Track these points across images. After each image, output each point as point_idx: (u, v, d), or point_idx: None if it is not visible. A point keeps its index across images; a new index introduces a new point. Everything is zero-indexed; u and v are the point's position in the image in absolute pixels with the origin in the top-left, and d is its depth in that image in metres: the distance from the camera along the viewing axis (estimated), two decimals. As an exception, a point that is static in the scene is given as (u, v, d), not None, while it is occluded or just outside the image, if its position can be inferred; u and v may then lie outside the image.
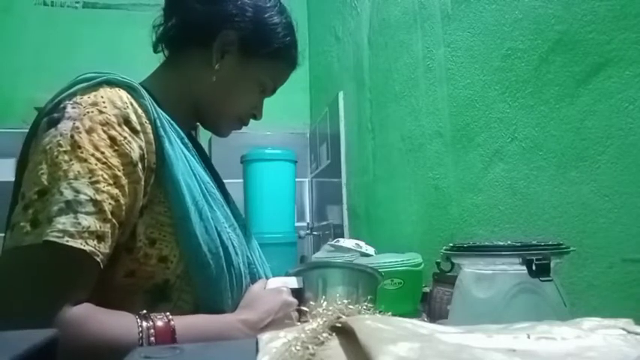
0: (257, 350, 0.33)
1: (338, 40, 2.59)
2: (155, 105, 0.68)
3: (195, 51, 0.78)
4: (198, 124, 0.88)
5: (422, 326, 0.33)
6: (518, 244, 0.62)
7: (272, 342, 0.34)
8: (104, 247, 0.58)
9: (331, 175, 2.64)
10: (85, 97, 0.62)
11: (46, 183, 0.56)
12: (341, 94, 2.46)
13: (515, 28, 1.02)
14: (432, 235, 1.41)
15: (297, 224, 2.75)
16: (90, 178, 0.57)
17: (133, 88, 0.67)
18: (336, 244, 1.61)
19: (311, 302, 0.38)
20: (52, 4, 3.40)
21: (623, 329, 0.31)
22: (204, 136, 3.88)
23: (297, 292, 0.75)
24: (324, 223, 2.90)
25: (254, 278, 0.79)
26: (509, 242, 0.65)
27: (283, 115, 3.49)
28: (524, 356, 0.26)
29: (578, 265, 0.81)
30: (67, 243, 0.54)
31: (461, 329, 0.32)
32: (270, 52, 0.80)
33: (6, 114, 3.23)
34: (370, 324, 0.31)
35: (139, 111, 0.65)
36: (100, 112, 0.61)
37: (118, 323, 0.59)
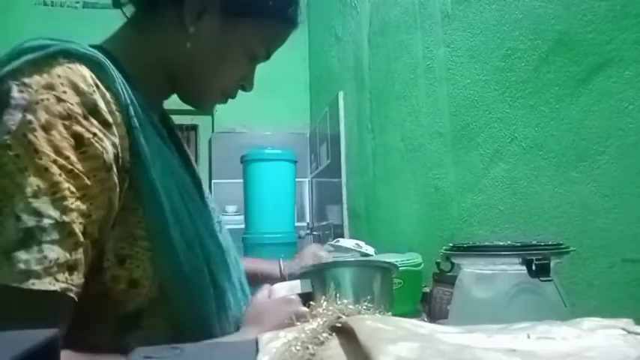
0: (257, 350, 0.33)
1: (338, 40, 2.59)
2: (126, 85, 0.54)
3: (167, 9, 0.62)
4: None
5: (422, 326, 0.33)
6: (518, 244, 0.62)
7: (272, 342, 0.34)
8: (77, 277, 0.47)
9: (331, 175, 2.65)
10: (36, 77, 0.48)
11: None
12: (341, 94, 2.46)
13: (515, 28, 1.02)
14: (432, 235, 1.42)
15: (297, 224, 2.75)
16: (53, 194, 0.45)
17: (98, 64, 0.52)
18: (336, 244, 1.61)
19: None
20: (52, 4, 3.41)
21: (623, 329, 0.31)
22: (204, 135, 3.87)
23: (306, 297, 0.66)
24: (324, 223, 2.90)
25: (234, 295, 0.67)
26: (509, 242, 0.65)
27: (283, 115, 3.49)
28: (524, 356, 0.26)
29: (578, 265, 0.81)
30: (33, 287, 0.43)
31: (461, 329, 0.32)
32: (262, 11, 0.65)
33: (6, 114, 3.23)
34: (370, 324, 0.31)
35: (108, 95, 0.51)
36: (59, 99, 0.47)
37: None
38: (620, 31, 0.76)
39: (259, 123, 3.41)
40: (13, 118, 0.46)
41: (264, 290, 0.67)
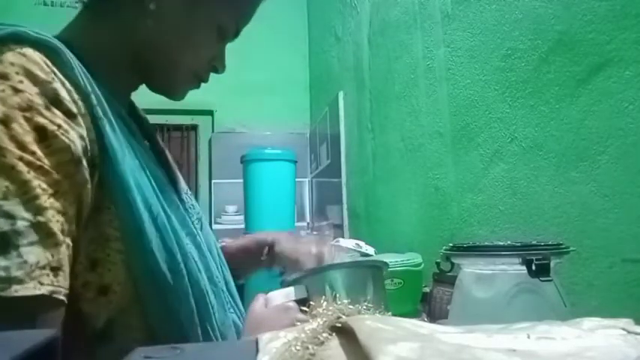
0: (257, 350, 0.33)
1: (338, 40, 2.59)
2: (85, 72, 0.50)
3: None
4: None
5: (422, 326, 0.33)
6: (518, 244, 0.62)
7: (272, 342, 0.34)
8: (63, 279, 0.44)
9: (331, 175, 2.65)
10: None
11: None
12: (341, 94, 2.46)
13: (515, 28, 1.02)
14: (432, 235, 1.42)
15: (297, 224, 2.75)
16: (24, 194, 0.42)
17: (54, 50, 0.47)
18: (336, 244, 1.61)
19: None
20: (52, 4, 3.41)
21: (623, 329, 0.31)
22: (204, 135, 3.88)
23: (301, 303, 0.63)
24: (324, 223, 2.90)
25: (218, 297, 0.63)
26: (509, 242, 0.65)
27: (283, 115, 3.49)
28: (524, 356, 0.26)
29: (578, 265, 0.82)
30: (17, 294, 0.40)
31: (461, 329, 0.32)
32: None
33: (6, 114, 3.23)
34: (370, 324, 0.31)
35: (67, 84, 0.47)
36: (16, 90, 0.43)
37: None
38: (620, 31, 0.76)
39: (259, 123, 3.41)
40: None
41: (259, 299, 0.63)
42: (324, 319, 0.34)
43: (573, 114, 0.86)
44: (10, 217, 0.41)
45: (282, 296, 0.66)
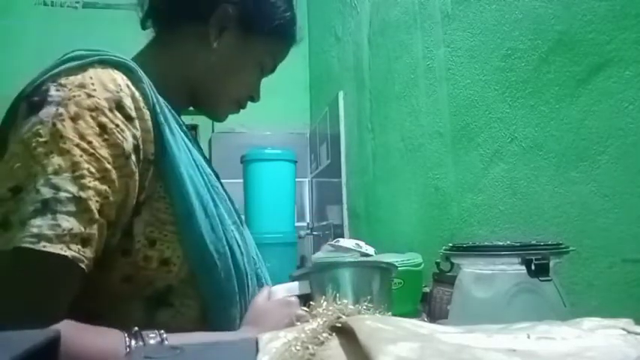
0: (257, 350, 0.33)
1: (338, 40, 2.59)
2: (154, 88, 0.61)
3: (190, 27, 0.70)
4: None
5: (422, 326, 0.33)
6: (518, 244, 0.62)
7: (272, 342, 0.34)
8: (90, 252, 0.50)
9: (331, 175, 2.65)
10: (72, 78, 0.54)
11: (21, 178, 0.49)
12: (341, 94, 2.46)
13: (515, 28, 1.02)
14: (432, 235, 1.42)
15: (297, 224, 2.75)
16: (73, 172, 0.49)
17: (129, 69, 0.59)
18: (336, 244, 1.61)
19: None
20: (52, 4, 3.41)
21: (623, 329, 0.31)
22: (204, 135, 3.89)
23: (304, 299, 0.67)
24: (324, 223, 2.90)
25: (259, 279, 0.74)
26: (508, 242, 0.65)
27: (283, 115, 3.49)
28: (524, 356, 0.26)
29: (578, 265, 0.81)
30: (44, 249, 0.46)
31: (461, 329, 0.32)
32: (271, 29, 0.74)
33: (6, 114, 3.22)
34: (370, 324, 0.31)
35: (137, 94, 0.57)
36: (89, 95, 0.53)
37: (104, 343, 0.51)
38: (620, 31, 0.76)
39: (259, 123, 3.40)
40: (47, 112, 0.51)
41: (263, 292, 0.70)
42: (324, 319, 0.34)
43: (573, 114, 0.86)
44: (56, 188, 0.48)
45: (285, 290, 0.69)
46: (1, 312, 0.46)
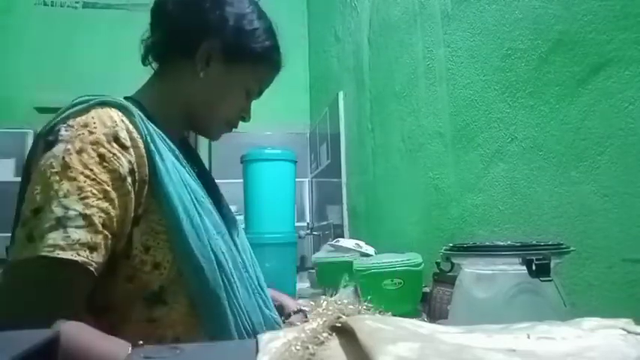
0: (257, 350, 0.33)
1: (338, 40, 2.59)
2: (146, 121, 0.71)
3: (182, 61, 0.81)
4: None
5: (422, 326, 0.33)
6: (518, 244, 0.62)
7: (272, 342, 0.34)
8: (97, 257, 0.61)
9: (331, 175, 2.65)
10: (78, 119, 0.66)
11: (40, 202, 0.60)
12: (341, 94, 2.46)
13: (515, 28, 1.02)
14: (432, 235, 1.42)
15: (297, 224, 2.75)
16: (79, 194, 0.61)
17: (124, 107, 0.70)
18: (336, 244, 1.61)
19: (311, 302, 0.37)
20: (52, 4, 3.41)
21: (623, 329, 0.31)
22: (203, 138, 3.86)
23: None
24: (324, 223, 2.90)
25: (251, 280, 0.82)
26: (509, 242, 0.65)
27: (283, 115, 3.49)
28: (524, 356, 0.26)
29: (578, 265, 0.81)
30: (58, 255, 0.57)
31: (461, 329, 0.32)
32: (253, 57, 0.83)
33: (6, 114, 3.23)
34: (370, 324, 0.31)
35: (130, 127, 0.68)
36: (91, 132, 0.64)
37: (108, 346, 0.55)
38: (620, 31, 0.76)
39: (259, 123, 3.40)
40: (59, 148, 0.63)
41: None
42: (324, 319, 0.34)
43: (573, 114, 0.86)
44: (66, 207, 0.60)
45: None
46: (30, 304, 0.57)
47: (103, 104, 0.69)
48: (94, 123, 0.66)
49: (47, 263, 0.58)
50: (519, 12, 1.00)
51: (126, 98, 0.76)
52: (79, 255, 0.59)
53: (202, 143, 3.53)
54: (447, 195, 1.32)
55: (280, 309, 0.97)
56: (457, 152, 1.27)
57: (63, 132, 0.65)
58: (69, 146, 0.63)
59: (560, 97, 0.89)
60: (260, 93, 0.90)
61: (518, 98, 1.01)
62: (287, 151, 2.67)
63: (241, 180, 2.64)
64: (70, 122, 0.66)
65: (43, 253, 0.57)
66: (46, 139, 0.65)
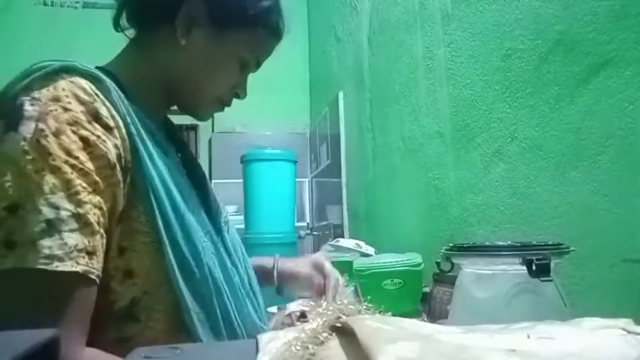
0: (257, 350, 0.33)
1: (338, 40, 2.59)
2: (123, 97, 0.60)
3: (161, 27, 0.68)
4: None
5: (422, 326, 0.33)
6: (518, 244, 0.62)
7: (272, 342, 0.34)
8: (97, 262, 0.52)
9: (331, 175, 2.65)
10: (44, 92, 0.53)
11: (16, 197, 0.49)
12: (341, 94, 2.46)
13: (515, 28, 1.02)
14: (432, 235, 1.42)
15: (297, 224, 2.75)
16: (68, 189, 0.51)
17: (96, 79, 0.58)
18: (336, 244, 1.61)
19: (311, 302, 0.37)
20: (51, 4, 3.41)
21: (623, 329, 0.31)
22: (204, 135, 3.88)
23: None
24: (324, 223, 2.90)
25: (242, 284, 0.72)
26: (509, 242, 0.65)
27: (283, 115, 3.49)
28: (524, 356, 0.26)
29: (578, 265, 0.81)
30: (57, 269, 0.48)
31: (461, 329, 0.32)
32: (246, 21, 0.69)
33: (6, 114, 3.23)
34: (370, 324, 0.31)
35: (107, 103, 0.57)
36: (65, 109, 0.53)
37: None
38: (620, 31, 0.76)
39: (259, 123, 3.41)
40: (28, 128, 0.51)
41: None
42: (324, 319, 0.34)
43: (573, 114, 0.86)
44: (55, 207, 0.50)
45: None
46: (29, 322, 0.47)
47: (70, 71, 0.56)
48: (67, 96, 0.54)
49: (44, 278, 0.48)
50: (519, 12, 1.00)
51: (97, 68, 0.62)
52: (78, 264, 0.50)
53: (202, 143, 3.54)
54: (447, 195, 1.32)
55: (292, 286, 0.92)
56: (457, 152, 1.27)
57: (28, 107, 0.52)
58: (42, 125, 0.51)
59: (560, 97, 0.89)
60: (258, 65, 0.76)
61: (518, 98, 1.01)
62: (287, 151, 2.67)
63: (241, 180, 2.65)
64: (35, 94, 0.53)
65: (40, 267, 0.47)
66: (6, 117, 0.53)
